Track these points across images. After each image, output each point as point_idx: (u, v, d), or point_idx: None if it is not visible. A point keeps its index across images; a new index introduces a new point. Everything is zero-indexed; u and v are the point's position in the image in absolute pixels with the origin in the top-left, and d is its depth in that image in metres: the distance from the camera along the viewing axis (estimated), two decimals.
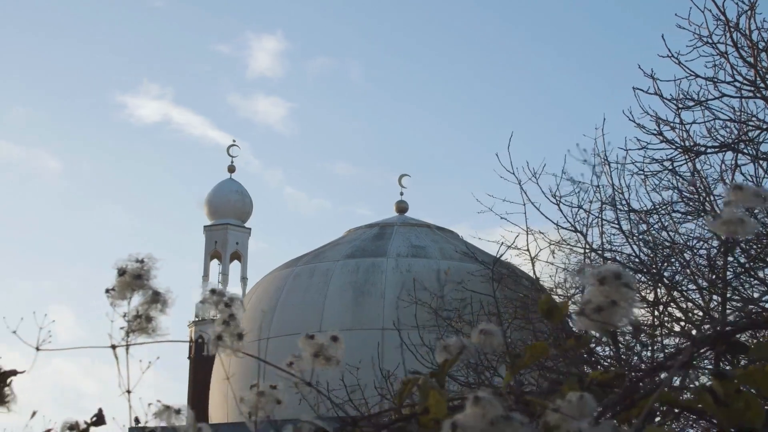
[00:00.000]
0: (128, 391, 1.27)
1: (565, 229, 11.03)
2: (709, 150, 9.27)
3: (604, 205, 10.44)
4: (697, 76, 8.58)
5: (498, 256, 11.58)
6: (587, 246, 10.93)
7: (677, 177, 9.68)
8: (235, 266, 29.18)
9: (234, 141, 30.47)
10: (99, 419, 1.38)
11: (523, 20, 59.62)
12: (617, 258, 10.74)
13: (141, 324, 1.30)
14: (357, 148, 59.79)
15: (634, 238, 10.15)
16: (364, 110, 57.90)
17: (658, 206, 10.15)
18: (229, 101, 52.44)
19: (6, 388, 1.31)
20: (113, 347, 1.27)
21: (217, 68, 54.82)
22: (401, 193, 25.92)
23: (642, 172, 9.45)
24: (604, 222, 10.45)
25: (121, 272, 1.32)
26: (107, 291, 1.32)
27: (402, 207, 25.58)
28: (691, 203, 10.22)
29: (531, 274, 13.74)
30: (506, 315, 14.44)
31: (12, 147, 56.47)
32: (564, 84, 61.19)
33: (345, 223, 61.97)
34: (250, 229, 29.34)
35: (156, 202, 55.01)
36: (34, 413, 1.30)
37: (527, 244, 13.38)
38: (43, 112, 57.61)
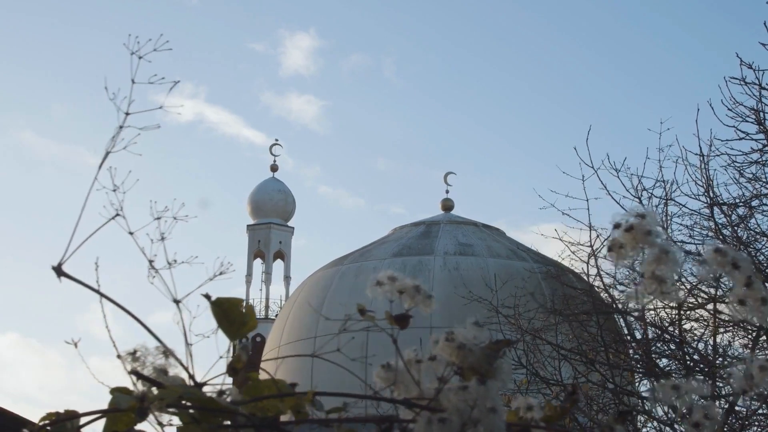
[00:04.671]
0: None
1: None
2: None
3: (688, 198, 10.28)
4: None
5: (592, 253, 11.32)
6: (669, 239, 10.75)
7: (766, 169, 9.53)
8: (278, 265, 29.09)
9: (276, 140, 30.46)
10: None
11: (569, 17, 59.32)
12: (701, 251, 10.56)
13: (655, 286, 1.15)
14: (396, 147, 59.67)
15: (721, 231, 9.96)
16: (401, 108, 57.77)
17: (743, 200, 9.98)
18: (263, 100, 52.47)
19: (500, 360, 1.15)
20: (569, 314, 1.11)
21: (250, 67, 54.88)
22: (447, 191, 25.77)
23: (735, 164, 9.28)
24: (691, 215, 10.26)
25: (628, 228, 1.17)
26: (610, 249, 1.17)
27: (448, 205, 25.41)
28: None
29: (593, 271, 13.53)
30: (569, 313, 14.24)
31: (51, 143, 56.71)
32: (615, 77, 60.78)
33: (387, 221, 61.90)
34: (293, 228, 29.26)
35: (196, 200, 55.00)
36: None
37: (590, 241, 13.19)
38: (82, 108, 57.84)
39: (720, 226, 9.96)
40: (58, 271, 1.17)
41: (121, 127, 1.16)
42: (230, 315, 1.27)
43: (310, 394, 1.21)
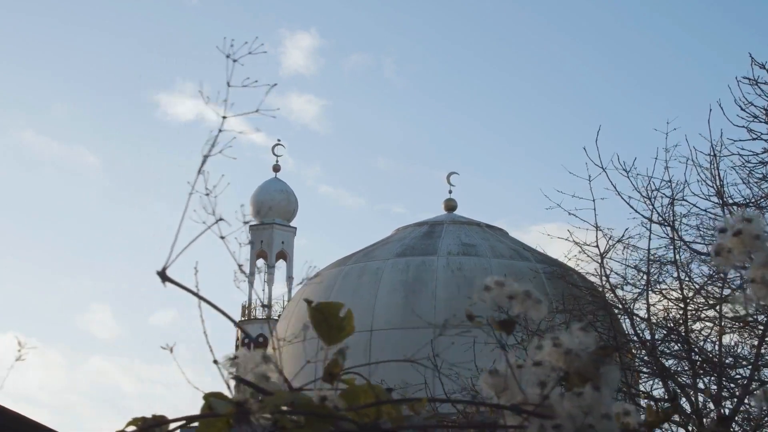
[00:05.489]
0: None
1: (656, 223, 10.85)
2: None
3: (697, 198, 10.28)
4: None
5: (599, 253, 11.31)
6: (679, 239, 10.74)
7: None
8: (280, 265, 29.09)
9: (279, 140, 30.43)
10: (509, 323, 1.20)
11: (573, 18, 59.32)
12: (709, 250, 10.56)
13: (765, 291, 1.13)
14: (398, 147, 59.67)
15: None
16: (402, 107, 57.75)
17: (753, 200, 9.99)
18: (264, 99, 52.38)
19: (607, 366, 1.14)
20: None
21: (251, 66, 54.76)
22: (450, 191, 25.76)
23: (747, 164, 9.27)
24: (697, 214, 10.25)
25: (736, 232, 1.16)
26: (717, 254, 1.16)
27: (451, 205, 25.41)
28: None
29: (598, 271, 13.52)
30: (575, 313, 14.23)
31: (52, 142, 56.69)
32: (618, 78, 60.74)
33: (389, 221, 61.91)
34: (295, 228, 29.22)
35: (197, 200, 54.91)
36: None
37: (597, 241, 13.18)
38: (82, 108, 57.84)
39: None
40: (163, 276, 1.16)
41: (220, 130, 1.15)
42: (329, 320, 1.26)
43: (424, 400, 1.20)
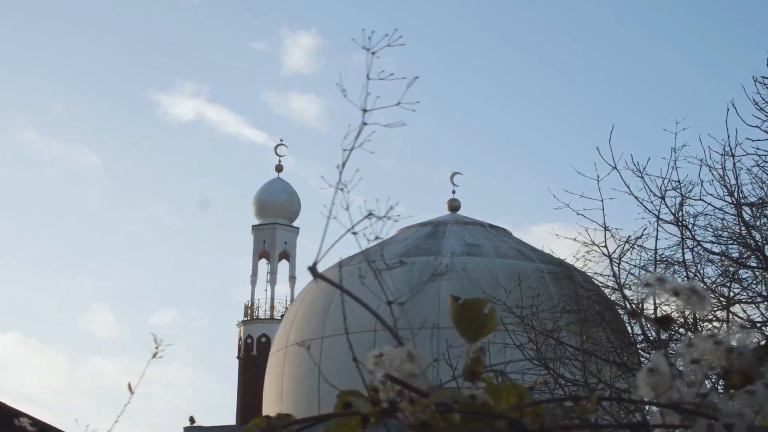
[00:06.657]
0: None
1: (669, 222, 10.83)
2: None
3: (712, 198, 10.27)
4: None
5: (621, 252, 11.29)
6: (692, 239, 10.72)
7: None
8: (283, 265, 29.00)
9: (281, 140, 30.33)
10: None
11: (575, 19, 59.33)
12: (726, 251, 10.54)
13: None
14: (400, 147, 59.66)
15: (751, 231, 9.93)
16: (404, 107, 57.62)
17: (765, 200, 9.97)
18: (264, 99, 52.40)
19: None
20: None
21: (252, 66, 54.79)
22: (453, 191, 25.70)
23: (763, 163, 9.25)
24: (705, 215, 10.24)
25: None
26: None
27: (454, 205, 25.38)
28: None
29: (609, 272, 13.51)
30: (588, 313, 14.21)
31: (53, 142, 56.62)
32: (619, 78, 60.74)
33: (391, 221, 62.03)
34: (298, 228, 29.13)
35: (196, 200, 54.93)
36: None
37: (605, 241, 13.15)
38: (82, 108, 57.80)
39: (749, 227, 9.93)
40: (314, 271, 1.13)
41: (364, 124, 1.12)
42: (473, 317, 1.24)
43: (593, 399, 1.17)
